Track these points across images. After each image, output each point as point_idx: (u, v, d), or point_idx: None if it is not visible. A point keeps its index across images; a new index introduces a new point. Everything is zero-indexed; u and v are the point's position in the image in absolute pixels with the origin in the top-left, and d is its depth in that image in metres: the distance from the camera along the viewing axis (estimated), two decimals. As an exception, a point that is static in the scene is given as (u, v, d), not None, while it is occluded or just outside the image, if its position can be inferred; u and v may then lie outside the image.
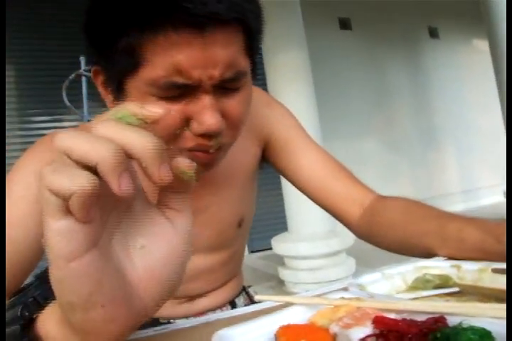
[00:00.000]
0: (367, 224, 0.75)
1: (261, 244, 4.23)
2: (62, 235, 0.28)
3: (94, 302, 0.30)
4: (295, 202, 2.99)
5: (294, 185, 0.83)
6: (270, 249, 3.30)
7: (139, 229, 0.33)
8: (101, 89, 0.60)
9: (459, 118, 5.96)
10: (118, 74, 0.54)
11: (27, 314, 0.40)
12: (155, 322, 0.76)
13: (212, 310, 0.80)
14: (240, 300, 0.87)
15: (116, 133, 0.29)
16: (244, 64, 0.57)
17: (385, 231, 0.73)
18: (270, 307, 0.46)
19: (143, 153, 0.29)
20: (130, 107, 0.31)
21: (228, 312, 0.50)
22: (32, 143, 0.67)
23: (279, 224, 3.72)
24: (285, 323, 0.36)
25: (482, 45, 5.44)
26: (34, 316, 0.36)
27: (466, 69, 6.12)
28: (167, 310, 0.77)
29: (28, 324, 0.36)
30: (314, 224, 3.00)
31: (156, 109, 0.31)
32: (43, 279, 0.44)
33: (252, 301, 0.88)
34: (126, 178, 0.28)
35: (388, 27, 5.51)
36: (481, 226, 0.57)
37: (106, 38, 0.52)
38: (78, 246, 0.29)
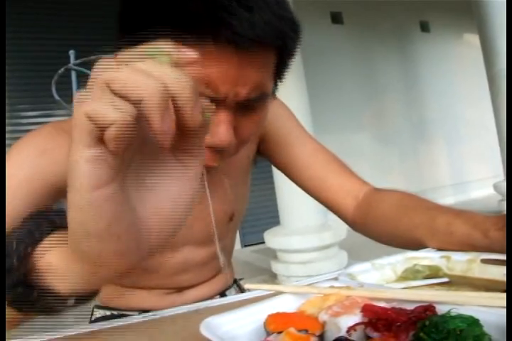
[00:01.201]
0: (362, 216, 0.76)
1: (254, 238, 4.24)
2: (91, 163, 0.29)
3: (111, 233, 0.31)
4: (287, 196, 2.99)
5: (289, 177, 0.83)
6: (263, 242, 3.30)
7: (150, 169, 0.34)
8: None
9: (450, 111, 5.99)
10: None
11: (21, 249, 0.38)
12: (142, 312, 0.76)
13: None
14: (232, 293, 0.86)
15: (159, 71, 0.29)
16: (269, 86, 0.57)
17: (378, 224, 0.73)
18: (260, 296, 0.46)
19: (181, 93, 0.29)
20: (165, 47, 0.30)
21: (218, 301, 0.50)
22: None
23: (271, 217, 3.71)
24: (274, 311, 0.36)
25: (472, 39, 5.46)
26: (29, 250, 0.37)
27: (457, 62, 6.14)
28: (154, 299, 0.77)
29: (24, 257, 0.36)
30: (306, 217, 3.00)
31: (191, 53, 0.30)
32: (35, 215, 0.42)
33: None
34: (170, 117, 0.29)
35: (380, 21, 5.51)
36: (469, 220, 0.58)
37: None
38: (104, 175, 0.29)
